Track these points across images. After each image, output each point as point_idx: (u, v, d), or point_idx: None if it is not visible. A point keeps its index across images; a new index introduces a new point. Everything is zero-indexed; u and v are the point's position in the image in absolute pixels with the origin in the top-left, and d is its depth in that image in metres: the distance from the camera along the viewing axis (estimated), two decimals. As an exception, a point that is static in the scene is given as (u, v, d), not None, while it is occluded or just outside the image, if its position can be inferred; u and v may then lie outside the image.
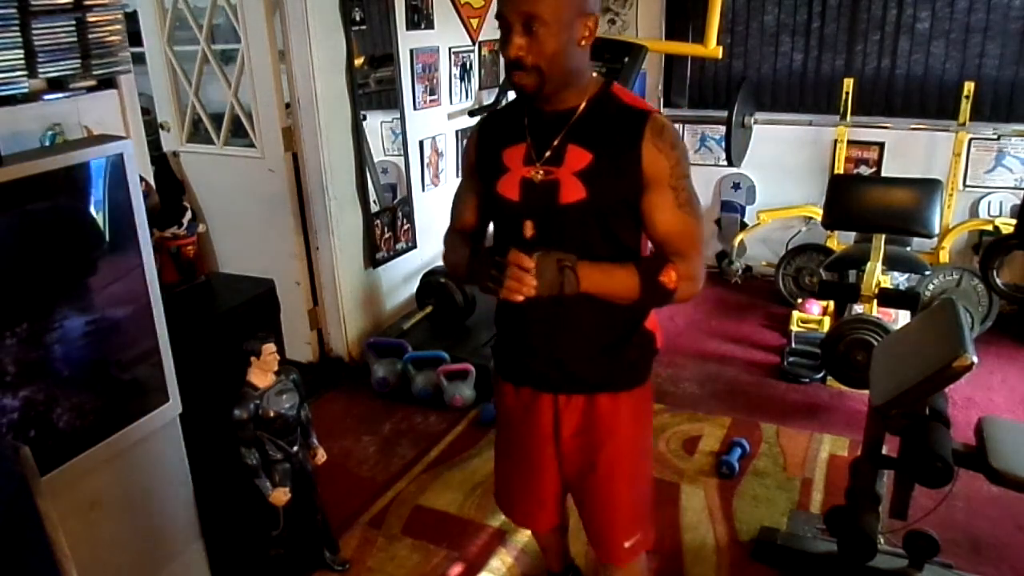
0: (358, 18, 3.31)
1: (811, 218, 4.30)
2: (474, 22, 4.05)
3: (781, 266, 4.26)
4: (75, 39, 1.96)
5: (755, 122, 4.25)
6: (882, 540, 2.14)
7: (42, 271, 1.62)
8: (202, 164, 3.56)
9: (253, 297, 2.53)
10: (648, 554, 1.83)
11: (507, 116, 1.53)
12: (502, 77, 4.30)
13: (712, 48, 4.00)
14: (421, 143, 3.84)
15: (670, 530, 2.42)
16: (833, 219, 3.48)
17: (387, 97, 3.67)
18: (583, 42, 1.37)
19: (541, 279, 1.32)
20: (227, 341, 2.15)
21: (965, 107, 3.83)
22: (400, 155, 3.77)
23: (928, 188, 3.31)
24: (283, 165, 3.31)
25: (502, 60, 4.52)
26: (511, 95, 4.23)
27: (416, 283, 3.74)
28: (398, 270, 3.84)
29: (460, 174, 1.72)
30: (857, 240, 3.79)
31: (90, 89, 2.10)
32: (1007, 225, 3.74)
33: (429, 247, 3.99)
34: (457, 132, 4.11)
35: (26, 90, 1.90)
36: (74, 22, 1.94)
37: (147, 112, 3.07)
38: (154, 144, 3.47)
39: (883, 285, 3.38)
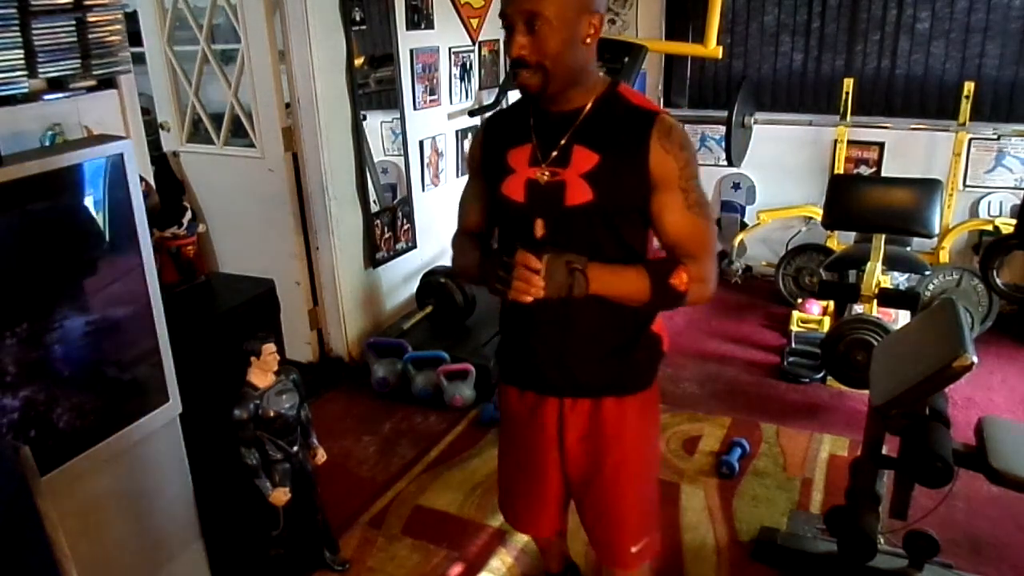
0: (358, 18, 3.31)
1: (811, 218, 4.30)
2: (474, 22, 4.05)
3: (781, 266, 4.26)
4: (75, 39, 1.96)
5: (755, 122, 4.25)
6: (882, 540, 2.14)
7: (42, 271, 1.62)
8: (202, 164, 3.56)
9: (253, 297, 2.53)
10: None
11: (512, 116, 1.51)
12: (502, 77, 4.31)
13: (712, 48, 4.00)
14: (421, 143, 3.84)
15: (670, 530, 2.42)
16: (833, 219, 3.48)
17: (387, 97, 3.67)
18: (588, 40, 1.35)
19: (551, 281, 1.31)
20: (227, 341, 2.15)
21: (965, 107, 3.83)
22: (400, 155, 3.77)
23: (928, 188, 3.31)
24: (283, 165, 3.31)
25: (502, 60, 4.55)
26: (512, 95, 4.21)
27: (416, 283, 3.74)
28: (398, 270, 3.84)
29: (466, 174, 1.71)
30: (857, 240, 3.79)
31: (90, 89, 2.10)
32: (1007, 225, 3.74)
33: (429, 247, 4.00)
34: (457, 132, 4.12)
35: (26, 90, 1.90)
36: (74, 22, 1.95)
37: (147, 112, 3.07)
38: (154, 144, 3.47)
39: (883, 285, 3.38)
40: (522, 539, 2.37)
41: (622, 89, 1.44)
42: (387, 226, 3.68)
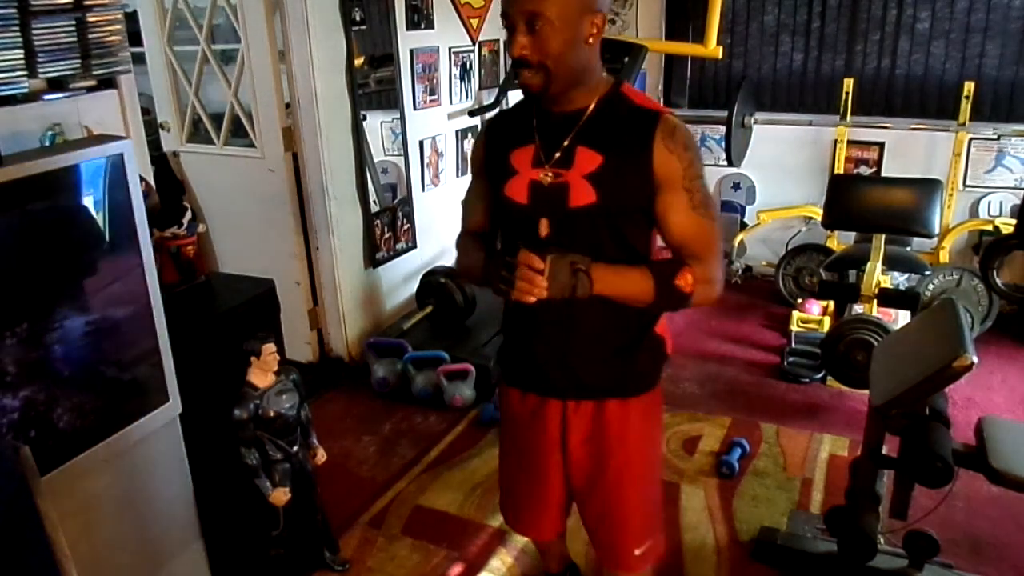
0: (358, 18, 3.31)
1: (811, 218, 4.30)
2: (474, 22, 4.05)
3: (781, 266, 4.26)
4: (75, 39, 1.96)
5: (755, 122, 4.25)
6: (882, 540, 2.14)
7: (42, 271, 1.62)
8: (202, 164, 3.56)
9: (253, 297, 2.53)
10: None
11: (515, 117, 1.50)
12: (502, 77, 4.30)
13: (712, 48, 4.00)
14: (421, 143, 3.84)
15: (670, 530, 2.41)
16: (833, 219, 3.48)
17: (387, 97, 3.67)
18: (590, 40, 1.34)
19: (554, 281, 1.30)
20: (227, 341, 2.15)
21: (965, 107, 3.83)
22: (400, 155, 3.77)
23: (928, 188, 3.31)
24: (283, 165, 3.31)
25: (502, 60, 4.55)
26: (512, 95, 4.21)
27: (416, 283, 3.74)
28: (398, 270, 3.84)
29: (466, 174, 1.71)
30: (857, 240, 3.79)
31: (90, 89, 2.10)
32: (1007, 225, 3.74)
33: (429, 247, 4.00)
34: (457, 132, 4.12)
35: (26, 90, 1.90)
36: (74, 22, 1.94)
37: (147, 112, 3.07)
38: (154, 144, 3.47)
39: (883, 285, 3.38)
40: (522, 539, 2.37)
41: (625, 89, 1.43)
42: (387, 226, 3.68)
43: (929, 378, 1.83)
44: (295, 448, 2.13)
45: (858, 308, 3.36)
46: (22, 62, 1.85)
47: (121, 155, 1.71)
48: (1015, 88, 3.90)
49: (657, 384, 1.58)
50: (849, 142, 4.16)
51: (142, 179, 1.89)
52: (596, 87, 1.41)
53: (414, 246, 3.88)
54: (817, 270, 4.03)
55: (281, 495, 2.08)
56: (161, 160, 3.51)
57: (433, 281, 3.62)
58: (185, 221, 2.46)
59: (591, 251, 1.36)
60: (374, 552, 2.39)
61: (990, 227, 3.86)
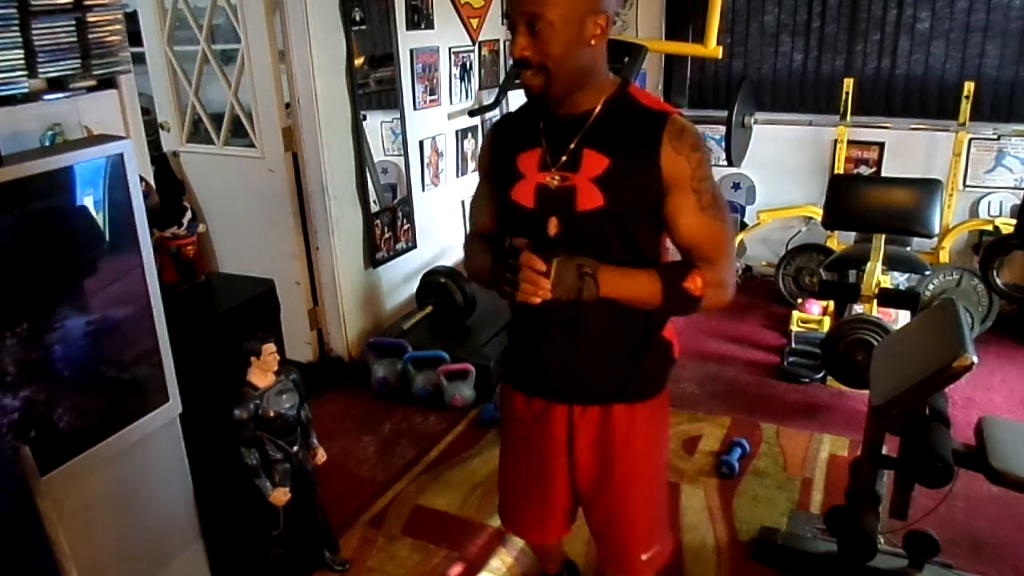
0: (358, 18, 3.31)
1: (811, 218, 4.30)
2: (474, 22, 4.05)
3: (781, 266, 4.26)
4: (75, 39, 1.96)
5: (755, 122, 4.25)
6: (882, 540, 2.14)
7: (42, 271, 1.62)
8: (202, 164, 3.56)
9: (253, 297, 2.54)
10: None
11: (521, 119, 1.49)
12: (502, 77, 4.30)
13: (712, 48, 4.00)
14: (421, 143, 3.84)
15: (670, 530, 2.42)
16: (833, 219, 3.48)
17: (387, 97, 3.67)
18: (593, 41, 1.31)
19: (560, 283, 1.29)
20: (227, 341, 2.15)
21: (965, 107, 3.83)
22: (400, 155, 3.77)
23: (928, 188, 3.31)
24: (283, 165, 3.31)
25: (502, 60, 4.55)
26: (512, 95, 4.19)
27: (416, 283, 3.74)
28: (398, 270, 3.84)
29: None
30: (857, 240, 3.79)
31: (90, 89, 2.11)
32: (1007, 225, 3.74)
33: (429, 247, 4.00)
34: (457, 132, 4.12)
35: (26, 90, 1.91)
36: (74, 22, 1.95)
37: (147, 112, 3.07)
38: (154, 144, 3.47)
39: (883, 285, 3.38)
40: (522, 540, 2.37)
41: (632, 90, 1.42)
42: (387, 226, 3.68)
43: (929, 378, 1.83)
44: (295, 448, 2.13)
45: (858, 308, 3.36)
46: (22, 62, 1.86)
47: (121, 155, 1.71)
48: (1015, 88, 3.90)
49: (664, 389, 1.57)
50: (849, 142, 4.17)
51: (142, 179, 1.90)
52: (602, 88, 1.39)
53: (414, 246, 3.88)
54: (817, 270, 4.03)
55: (281, 495, 2.08)
56: (161, 160, 3.51)
57: (433, 281, 3.62)
58: (185, 221, 2.46)
59: (599, 254, 1.34)
60: (374, 552, 2.39)
61: (990, 227, 3.86)
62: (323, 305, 3.57)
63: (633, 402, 1.52)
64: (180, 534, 2.07)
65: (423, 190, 3.91)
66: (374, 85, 3.58)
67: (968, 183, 4.02)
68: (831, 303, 3.77)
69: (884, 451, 2.03)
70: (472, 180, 4.27)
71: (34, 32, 1.85)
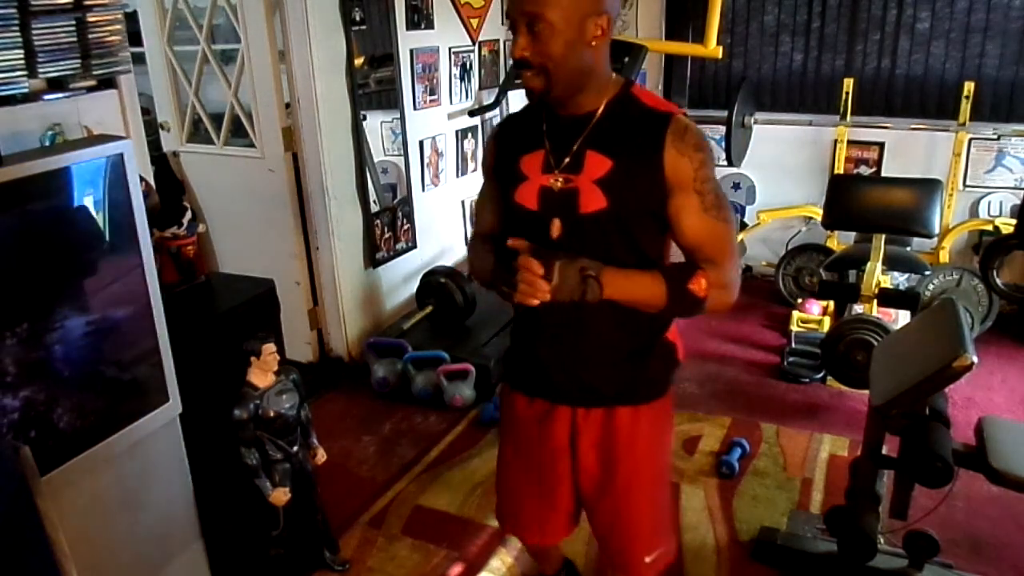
0: (358, 18, 3.31)
1: (811, 218, 4.30)
2: (474, 22, 4.05)
3: (781, 266, 4.26)
4: (75, 39, 1.96)
5: (755, 122, 4.25)
6: (882, 540, 2.14)
7: (42, 271, 1.62)
8: (202, 164, 3.56)
9: (253, 297, 2.54)
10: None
11: (525, 121, 1.48)
12: (502, 77, 4.30)
13: (712, 48, 4.00)
14: (421, 143, 3.84)
15: (670, 530, 2.42)
16: (833, 219, 3.48)
17: (387, 97, 3.67)
18: (594, 42, 1.31)
19: (563, 287, 1.29)
20: (227, 341, 2.15)
21: (965, 107, 3.83)
22: (400, 155, 3.77)
23: (928, 188, 3.32)
24: (283, 165, 3.31)
25: (502, 60, 4.54)
26: (512, 95, 4.18)
27: (416, 283, 3.74)
28: (398, 270, 3.84)
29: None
30: (857, 240, 3.79)
31: (90, 89, 2.11)
32: (1007, 225, 3.74)
33: (429, 247, 4.00)
34: (457, 132, 4.12)
35: (26, 90, 1.91)
36: (74, 22, 1.95)
37: (147, 112, 3.07)
38: (154, 144, 3.47)
39: (883, 285, 3.38)
40: (522, 539, 2.37)
41: (636, 90, 1.41)
42: (387, 226, 3.68)
43: (929, 378, 1.83)
44: (295, 448, 2.13)
45: (858, 308, 3.36)
46: (22, 62, 1.86)
47: (121, 155, 1.71)
48: (1015, 88, 3.90)
49: (668, 391, 1.56)
50: (849, 142, 4.17)
51: (142, 179, 1.90)
52: (604, 89, 1.38)
53: (414, 246, 3.88)
54: (817, 270, 4.03)
55: (281, 495, 2.08)
56: (161, 160, 3.51)
57: (433, 281, 3.62)
58: (185, 221, 2.46)
59: (602, 256, 1.34)
60: (374, 552, 2.39)
61: (990, 227, 3.86)
62: (323, 305, 3.57)
63: (637, 404, 1.51)
64: (180, 534, 2.07)
65: (423, 190, 3.91)
66: (374, 85, 3.58)
67: (968, 183, 4.02)
68: (831, 303, 3.77)
69: (884, 451, 2.03)
70: (472, 180, 4.29)
71: (34, 32, 1.86)
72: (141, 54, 3.40)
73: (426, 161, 3.90)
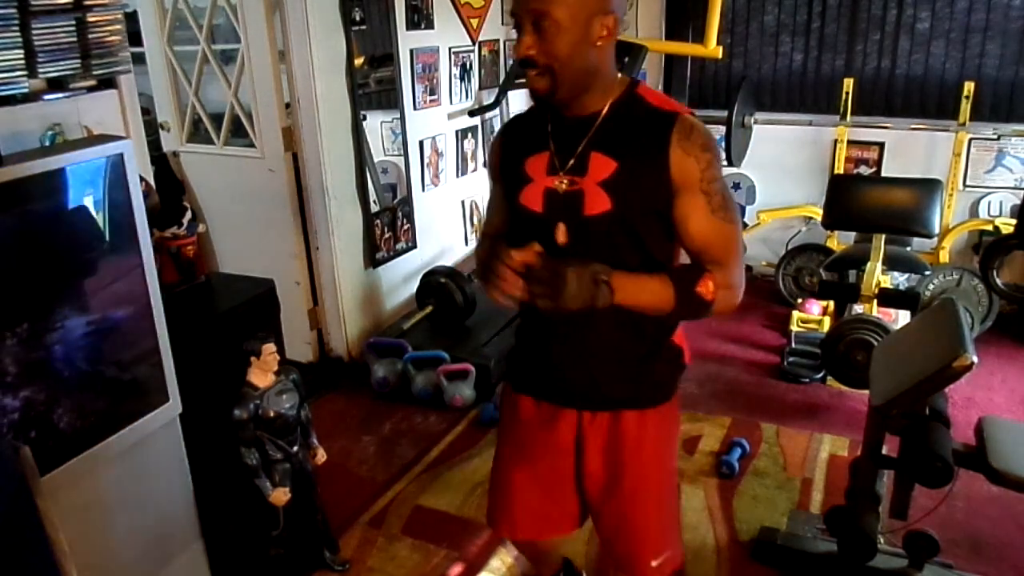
0: (358, 18, 3.31)
1: (811, 218, 4.30)
2: (474, 22, 4.05)
3: (781, 266, 4.26)
4: (75, 39, 1.96)
5: (755, 122, 4.25)
6: (882, 540, 2.14)
7: (42, 271, 1.62)
8: (202, 164, 3.56)
9: (253, 297, 2.54)
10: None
11: (529, 122, 1.47)
12: (502, 77, 4.30)
13: (712, 48, 4.00)
14: (421, 143, 3.84)
15: (670, 530, 2.42)
16: (833, 219, 3.48)
17: (387, 97, 3.67)
18: (600, 42, 1.29)
19: (578, 294, 1.27)
20: (227, 341, 2.15)
21: (965, 107, 3.83)
22: (400, 155, 3.77)
23: (928, 188, 3.32)
24: (283, 165, 3.31)
25: (502, 60, 4.54)
26: (512, 95, 4.16)
27: (416, 283, 3.74)
28: (398, 270, 3.84)
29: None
30: (857, 240, 3.79)
31: (90, 89, 2.11)
32: (1007, 225, 3.74)
33: (429, 247, 4.00)
34: (457, 132, 4.12)
35: (26, 90, 1.91)
36: (74, 22, 1.95)
37: (147, 112, 3.07)
38: (154, 144, 3.47)
39: (883, 285, 3.38)
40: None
41: (641, 90, 1.39)
42: (387, 226, 3.68)
43: (929, 378, 1.83)
44: (295, 448, 2.13)
45: (858, 308, 3.36)
46: (22, 62, 1.86)
47: (121, 155, 1.71)
48: (1015, 88, 3.90)
49: (674, 395, 1.56)
50: (849, 142, 4.17)
51: (142, 179, 1.90)
52: (609, 90, 1.37)
53: (414, 246, 3.88)
54: (817, 270, 4.03)
55: (281, 495, 2.08)
56: (161, 160, 3.51)
57: (433, 281, 3.62)
58: (185, 221, 2.46)
59: (609, 258, 1.32)
60: (374, 552, 2.39)
61: (990, 227, 3.86)
62: (323, 305, 3.57)
63: (643, 408, 1.50)
64: (180, 534, 2.08)
65: (423, 190, 3.91)
66: (374, 85, 3.58)
67: (968, 183, 4.02)
68: (831, 303, 3.77)
69: (884, 451, 2.03)
70: (472, 180, 4.29)
71: (34, 32, 1.85)
72: (141, 54, 3.40)
73: (426, 161, 3.90)
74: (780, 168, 4.44)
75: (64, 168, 1.63)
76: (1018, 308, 3.78)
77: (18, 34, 1.83)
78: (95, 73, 2.05)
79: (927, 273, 3.65)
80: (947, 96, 4.00)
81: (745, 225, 4.52)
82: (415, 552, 2.38)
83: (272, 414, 2.05)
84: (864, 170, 4.24)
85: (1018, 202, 3.77)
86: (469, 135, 4.21)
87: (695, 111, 1.44)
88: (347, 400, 3.34)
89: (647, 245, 1.38)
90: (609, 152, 1.34)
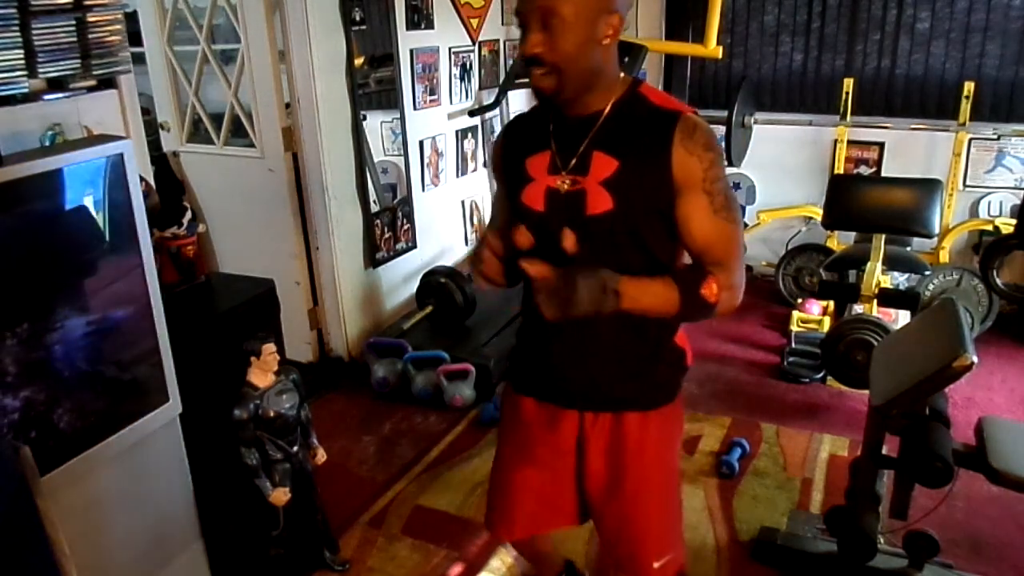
0: (358, 18, 3.31)
1: (811, 218, 4.30)
2: (474, 22, 4.05)
3: (781, 266, 4.26)
4: (75, 39, 1.96)
5: (755, 122, 4.25)
6: (882, 540, 2.14)
7: (42, 271, 1.62)
8: (202, 164, 3.56)
9: (253, 297, 2.54)
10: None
11: (531, 121, 1.47)
12: (502, 77, 4.30)
13: (712, 48, 4.01)
14: (421, 143, 3.84)
15: (670, 530, 2.42)
16: (833, 219, 3.48)
17: (387, 97, 3.67)
18: (605, 41, 1.29)
19: (586, 301, 1.25)
20: (227, 341, 2.15)
21: (965, 107, 3.83)
22: (400, 155, 3.77)
23: (928, 188, 3.32)
24: (283, 165, 3.31)
25: (502, 60, 4.53)
26: (512, 96, 4.15)
27: (416, 283, 3.74)
28: (398, 270, 3.84)
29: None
30: (857, 240, 3.79)
31: (90, 89, 2.11)
32: (1007, 225, 3.74)
33: (429, 247, 4.00)
34: (457, 132, 4.12)
35: (26, 90, 1.91)
36: (74, 22, 1.95)
37: (147, 112, 3.07)
38: (154, 144, 3.47)
39: (883, 285, 3.38)
40: (522, 539, 2.37)
41: (644, 89, 1.39)
42: (387, 226, 3.68)
43: (929, 378, 1.83)
44: (295, 448, 2.13)
45: (858, 308, 3.36)
46: (22, 62, 1.86)
47: (121, 155, 1.71)
48: (1015, 88, 3.90)
49: (676, 396, 1.55)
50: (849, 142, 4.17)
51: (142, 179, 1.90)
52: (612, 89, 1.37)
53: (414, 246, 3.88)
54: (817, 270, 4.03)
55: (281, 495, 2.08)
56: (161, 160, 3.51)
57: (433, 281, 3.62)
58: (185, 221, 2.46)
59: (612, 259, 1.32)
60: (374, 552, 2.39)
61: (990, 227, 3.86)
62: (323, 305, 3.57)
63: (646, 409, 1.50)
64: (180, 534, 2.08)
65: (423, 190, 3.91)
66: (374, 85, 3.58)
67: (968, 183, 4.02)
68: (831, 303, 3.77)
69: (884, 451, 2.03)
70: (472, 180, 4.29)
71: (34, 32, 1.85)
72: (141, 54, 3.40)
73: (426, 161, 3.90)
74: (780, 168, 4.44)
75: (64, 168, 1.63)
76: (1018, 308, 3.78)
77: (18, 34, 1.83)
78: (95, 73, 2.05)
79: (927, 273, 3.65)
80: (947, 96, 4.00)
81: (745, 225, 4.52)
82: (415, 552, 2.38)
83: (272, 414, 2.05)
84: (864, 170, 4.25)
85: (1018, 202, 3.77)
86: (469, 135, 4.21)
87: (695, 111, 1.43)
88: (347, 400, 3.34)
89: (649, 245, 1.38)
90: (611, 151, 1.34)
